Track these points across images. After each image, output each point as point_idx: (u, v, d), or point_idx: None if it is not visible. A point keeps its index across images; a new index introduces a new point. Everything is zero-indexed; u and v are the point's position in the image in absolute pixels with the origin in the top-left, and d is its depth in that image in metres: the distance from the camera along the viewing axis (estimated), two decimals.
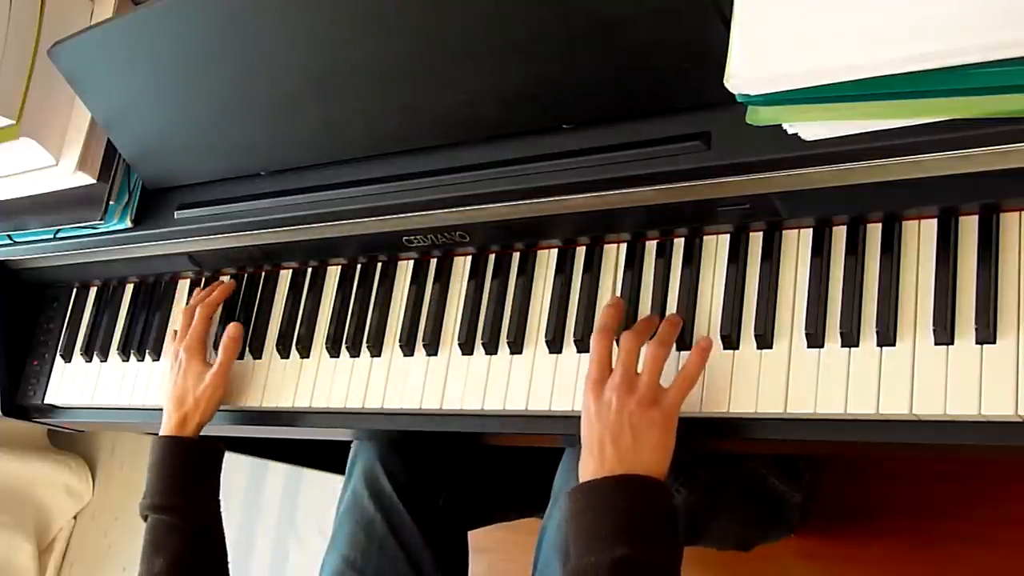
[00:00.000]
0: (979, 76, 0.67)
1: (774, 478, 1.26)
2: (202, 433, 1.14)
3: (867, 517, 1.39)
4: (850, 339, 0.85)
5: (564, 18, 0.86)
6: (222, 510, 1.13)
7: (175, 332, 1.23)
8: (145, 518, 1.10)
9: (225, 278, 1.26)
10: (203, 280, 1.28)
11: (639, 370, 0.88)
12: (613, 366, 0.89)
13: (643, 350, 0.90)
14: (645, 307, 0.96)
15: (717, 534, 1.22)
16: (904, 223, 0.86)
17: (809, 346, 0.87)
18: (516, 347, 1.02)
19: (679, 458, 1.09)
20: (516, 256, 1.06)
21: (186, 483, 1.10)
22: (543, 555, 1.08)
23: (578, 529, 0.84)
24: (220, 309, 1.22)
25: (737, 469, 1.20)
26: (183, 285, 1.31)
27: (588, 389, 0.89)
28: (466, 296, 1.07)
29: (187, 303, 1.26)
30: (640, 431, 0.85)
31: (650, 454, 0.85)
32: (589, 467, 0.86)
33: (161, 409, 1.19)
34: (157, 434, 1.14)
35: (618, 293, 0.98)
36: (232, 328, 1.17)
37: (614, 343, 0.91)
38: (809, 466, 1.35)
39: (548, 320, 1.01)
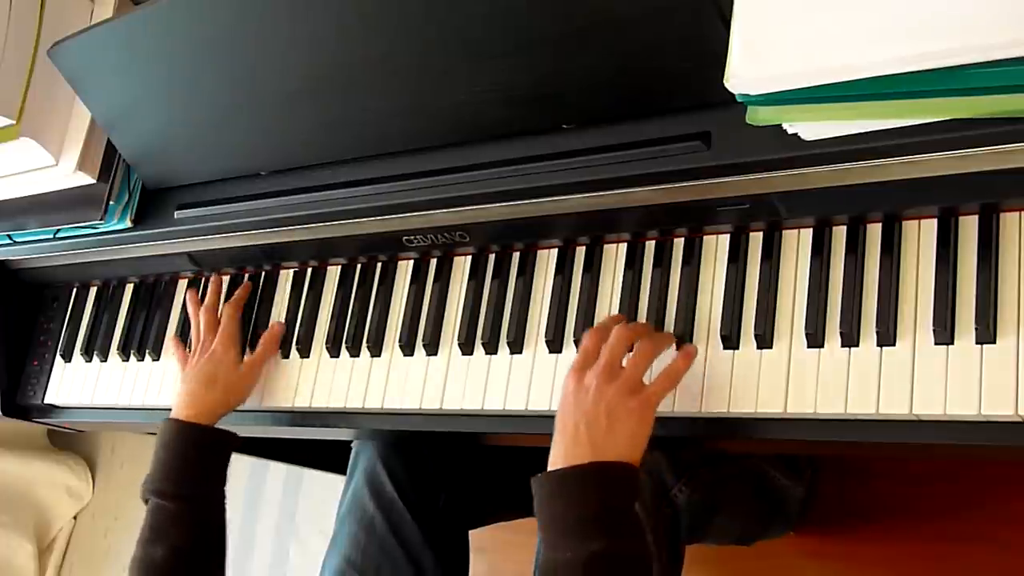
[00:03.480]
0: (979, 76, 0.68)
1: (776, 473, 1.26)
2: None
3: (867, 516, 1.39)
4: (850, 339, 0.85)
5: (564, 18, 0.86)
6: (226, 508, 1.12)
7: (176, 337, 1.23)
8: (146, 500, 1.08)
9: (225, 278, 1.26)
10: (202, 280, 1.28)
11: (624, 363, 0.88)
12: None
13: (634, 345, 0.89)
14: (645, 307, 0.96)
15: (719, 530, 1.22)
16: (904, 223, 0.86)
17: (809, 346, 0.87)
18: (516, 347, 1.02)
19: (681, 457, 1.09)
20: (516, 256, 1.06)
21: (198, 472, 1.08)
22: None
23: (550, 518, 0.82)
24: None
25: (738, 466, 1.20)
26: (183, 285, 1.30)
27: (570, 374, 0.88)
28: (466, 296, 1.07)
29: (184, 301, 1.26)
30: (616, 418, 0.83)
31: (624, 442, 0.83)
32: (560, 450, 0.84)
33: (162, 409, 1.19)
34: (167, 419, 1.11)
35: (618, 293, 0.98)
36: (276, 325, 1.17)
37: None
38: (810, 462, 1.35)
39: (548, 320, 1.01)
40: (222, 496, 1.10)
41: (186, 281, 1.30)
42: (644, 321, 0.95)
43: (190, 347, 1.21)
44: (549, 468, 0.84)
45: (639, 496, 0.84)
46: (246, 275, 1.25)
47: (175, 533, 1.04)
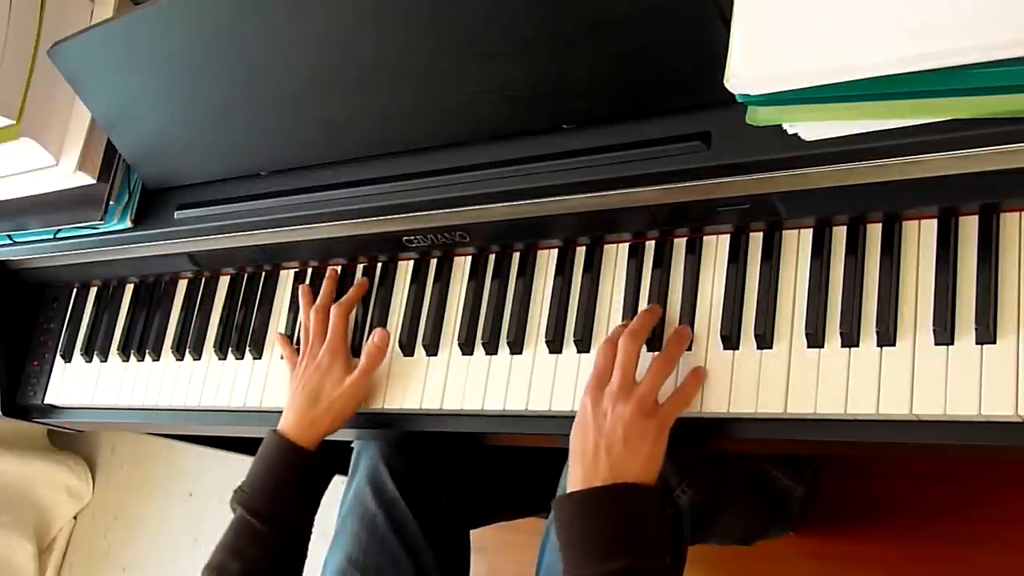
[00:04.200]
0: (979, 76, 0.67)
1: (777, 473, 1.26)
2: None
3: (867, 516, 1.39)
4: (850, 339, 0.85)
5: (564, 18, 0.86)
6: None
7: (282, 334, 1.17)
8: (234, 508, 1.05)
9: (224, 278, 1.26)
10: (202, 279, 1.28)
11: (639, 378, 0.89)
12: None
13: (647, 360, 0.90)
14: (645, 307, 0.96)
15: (721, 531, 1.22)
16: (904, 223, 0.86)
17: (809, 346, 0.87)
18: (516, 347, 1.02)
19: (682, 458, 1.09)
20: (516, 256, 1.06)
21: (291, 496, 1.05)
22: (547, 557, 1.08)
23: (570, 540, 0.84)
24: (221, 308, 1.22)
25: (740, 466, 1.20)
26: (183, 285, 1.31)
27: (586, 394, 0.90)
28: (466, 296, 1.07)
29: (297, 295, 1.18)
30: (633, 441, 0.86)
31: (641, 464, 0.86)
32: (579, 473, 0.87)
33: (162, 409, 1.19)
34: (274, 432, 1.07)
35: (618, 293, 0.98)
36: (380, 334, 1.08)
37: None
38: (810, 462, 1.36)
39: (548, 320, 1.01)
40: (310, 523, 1.07)
41: (186, 281, 1.30)
42: (650, 307, 0.95)
43: (298, 343, 1.15)
44: (568, 490, 0.87)
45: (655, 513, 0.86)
46: (246, 275, 1.25)
47: (254, 553, 1.02)
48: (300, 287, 1.17)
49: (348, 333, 1.12)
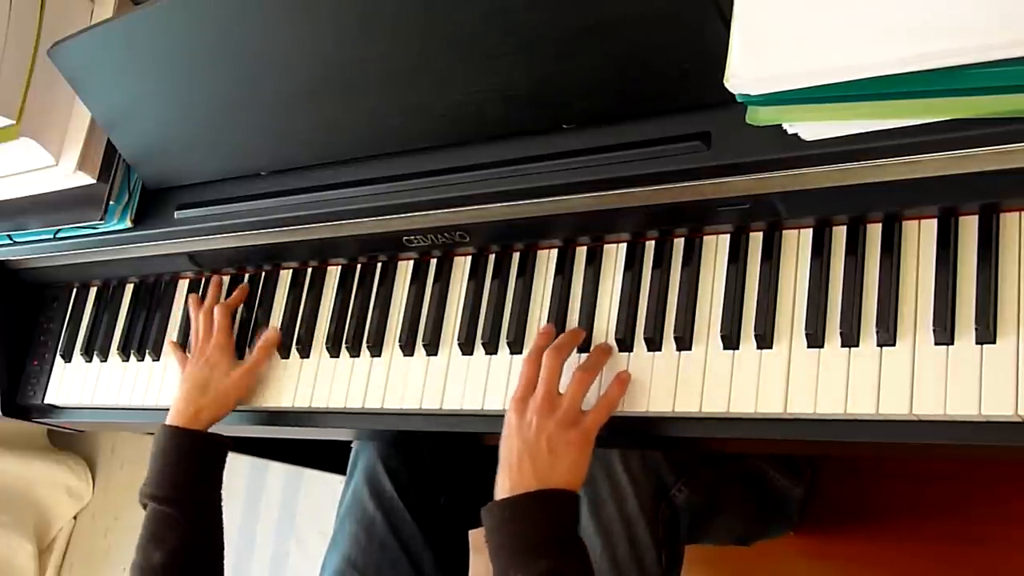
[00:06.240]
0: (979, 76, 0.67)
1: (775, 473, 1.26)
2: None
3: (867, 516, 1.39)
4: (850, 339, 0.85)
5: (564, 18, 0.86)
6: (222, 510, 1.12)
7: (173, 342, 1.24)
8: (144, 505, 1.10)
9: (225, 279, 1.26)
10: (202, 280, 1.28)
11: (563, 390, 0.92)
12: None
13: (570, 373, 0.93)
14: (645, 307, 0.96)
15: (719, 530, 1.22)
16: (904, 223, 0.86)
17: (809, 346, 0.87)
18: (516, 347, 1.02)
19: (679, 458, 1.09)
20: (516, 256, 1.06)
21: (191, 477, 1.10)
22: None
23: (500, 544, 0.87)
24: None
25: (738, 466, 1.20)
26: (183, 285, 1.31)
27: (511, 406, 0.92)
28: (466, 296, 1.07)
29: (185, 303, 1.26)
30: (557, 450, 0.88)
31: (566, 472, 0.88)
32: (506, 483, 0.89)
33: (162, 409, 1.19)
34: (163, 425, 1.13)
35: (618, 293, 0.98)
36: (272, 332, 1.17)
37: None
38: (810, 462, 1.35)
39: (548, 320, 1.01)
40: (218, 499, 1.12)
41: (186, 281, 1.30)
42: (575, 327, 0.98)
43: (190, 348, 1.21)
44: (496, 498, 0.89)
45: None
46: (246, 276, 1.25)
47: (171, 537, 1.06)
48: (189, 296, 1.26)
49: (233, 332, 1.19)
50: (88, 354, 1.35)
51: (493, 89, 0.93)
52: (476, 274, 1.08)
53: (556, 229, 1.02)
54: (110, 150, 1.18)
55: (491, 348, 1.03)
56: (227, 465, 1.15)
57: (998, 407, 0.78)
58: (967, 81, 0.68)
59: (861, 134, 0.77)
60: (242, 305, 1.23)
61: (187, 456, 1.10)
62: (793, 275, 0.91)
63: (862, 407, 0.83)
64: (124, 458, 2.52)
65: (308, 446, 1.56)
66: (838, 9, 0.71)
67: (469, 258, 1.09)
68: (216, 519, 1.11)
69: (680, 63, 0.85)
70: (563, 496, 0.88)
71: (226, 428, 1.20)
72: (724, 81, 0.75)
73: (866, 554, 1.38)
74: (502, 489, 0.90)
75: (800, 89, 0.73)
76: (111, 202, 1.18)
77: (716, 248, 0.95)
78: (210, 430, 1.13)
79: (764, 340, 0.89)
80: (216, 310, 1.19)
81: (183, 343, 1.26)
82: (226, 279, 1.26)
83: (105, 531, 2.49)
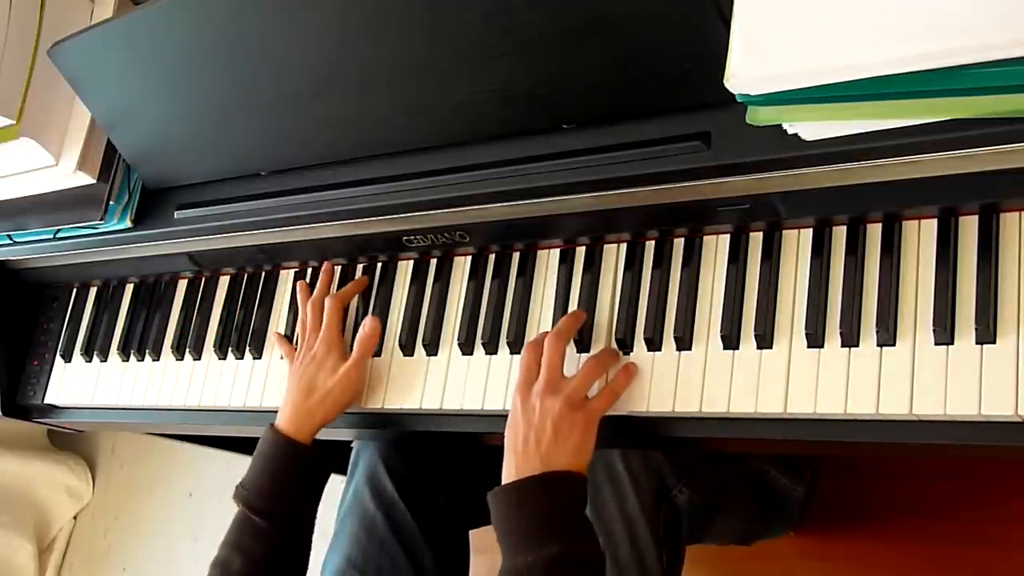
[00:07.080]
0: (979, 76, 0.67)
1: (776, 473, 1.26)
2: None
3: (867, 516, 1.39)
4: (850, 339, 0.85)
5: (564, 18, 0.86)
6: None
7: (279, 334, 1.17)
8: (237, 504, 1.06)
9: (337, 268, 1.22)
10: (202, 280, 1.28)
11: (569, 376, 0.92)
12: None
13: (570, 370, 0.93)
14: (645, 307, 0.96)
15: (719, 531, 1.22)
16: (904, 223, 0.86)
17: (809, 346, 0.87)
18: (516, 347, 1.02)
19: (680, 458, 1.09)
20: (516, 256, 1.06)
21: (292, 493, 1.05)
22: None
23: (508, 530, 0.87)
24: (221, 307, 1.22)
25: (739, 466, 1.20)
26: (183, 285, 1.31)
27: (516, 392, 0.93)
28: (466, 296, 1.07)
29: (292, 292, 1.19)
30: (562, 431, 0.88)
31: (571, 454, 0.88)
32: (511, 467, 0.89)
33: (163, 409, 1.19)
34: (271, 426, 1.07)
35: (618, 293, 0.98)
36: (371, 322, 1.09)
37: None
38: (810, 462, 1.35)
39: (548, 320, 1.01)
40: (312, 518, 1.08)
41: (186, 281, 1.30)
42: (576, 310, 0.98)
43: (296, 341, 1.16)
44: (503, 483, 0.89)
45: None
46: (246, 275, 1.25)
47: (255, 548, 1.03)
48: (298, 283, 1.18)
49: (345, 325, 1.12)
50: (88, 354, 1.35)
51: (493, 89, 0.93)
52: (476, 274, 1.08)
53: (556, 229, 1.02)
54: (110, 150, 1.18)
55: (491, 348, 1.03)
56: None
57: (998, 407, 0.78)
58: (967, 81, 0.68)
59: (861, 134, 0.77)
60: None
61: (289, 470, 1.05)
62: (793, 275, 0.91)
63: (862, 407, 0.83)
64: (124, 458, 2.52)
65: None
66: (838, 9, 0.71)
67: (469, 258, 1.09)
68: (306, 538, 1.07)
69: (680, 63, 0.85)
70: (569, 478, 0.87)
71: (226, 429, 1.20)
72: (724, 81, 0.75)
73: (866, 554, 1.38)
74: (508, 474, 0.89)
75: (800, 89, 0.73)
76: (111, 202, 1.18)
77: (716, 248, 0.95)
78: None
79: (764, 340, 0.89)
80: (327, 302, 1.11)
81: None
82: (338, 269, 1.18)
83: (105, 531, 2.49)
